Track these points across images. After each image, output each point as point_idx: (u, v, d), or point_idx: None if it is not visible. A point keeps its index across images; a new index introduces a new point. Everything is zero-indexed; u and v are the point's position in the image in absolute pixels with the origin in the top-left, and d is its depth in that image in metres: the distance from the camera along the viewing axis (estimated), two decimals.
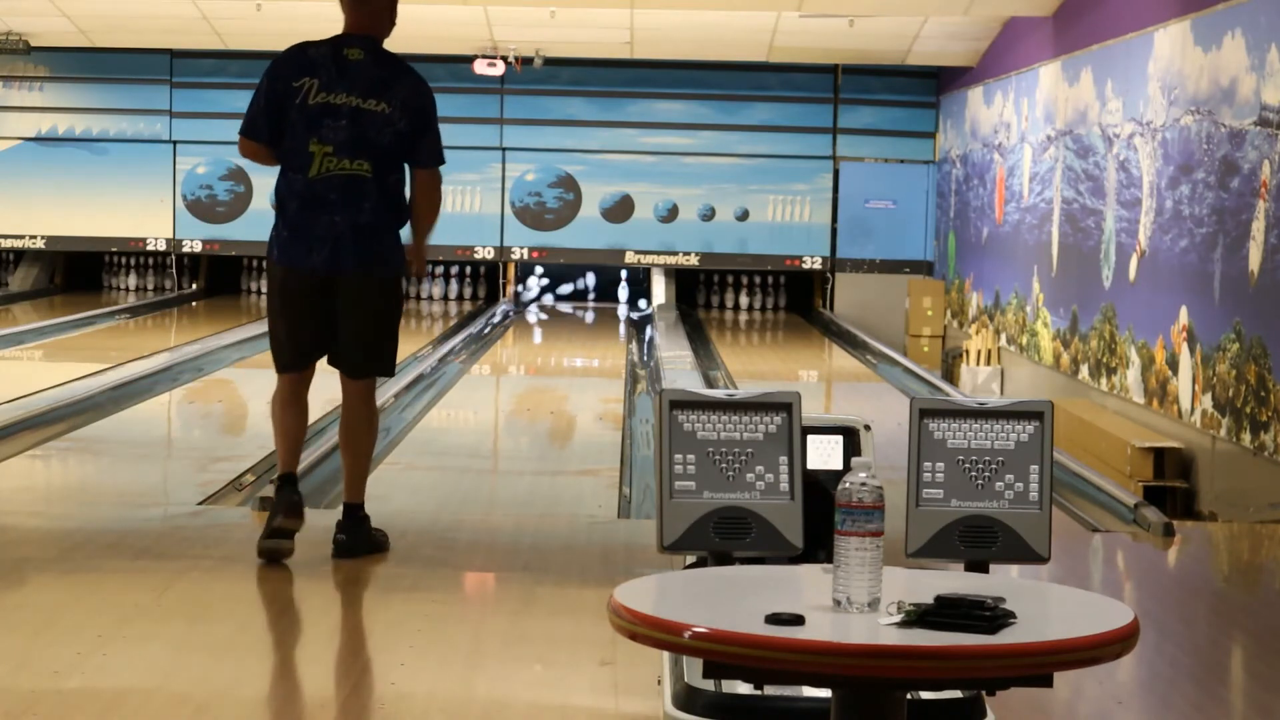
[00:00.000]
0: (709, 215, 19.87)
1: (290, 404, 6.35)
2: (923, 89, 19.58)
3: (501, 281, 20.39)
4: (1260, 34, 9.73)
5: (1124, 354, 11.98)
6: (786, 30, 17.06)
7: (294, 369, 6.33)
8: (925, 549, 3.89)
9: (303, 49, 6.29)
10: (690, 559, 4.07)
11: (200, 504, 7.75)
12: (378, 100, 6.19)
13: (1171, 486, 10.48)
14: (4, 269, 20.66)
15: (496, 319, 18.53)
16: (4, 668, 4.97)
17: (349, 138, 6.19)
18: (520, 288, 20.46)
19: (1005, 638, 2.94)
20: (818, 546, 3.85)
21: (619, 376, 14.22)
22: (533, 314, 19.69)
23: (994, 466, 3.89)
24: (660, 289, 20.11)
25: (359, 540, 6.39)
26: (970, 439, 3.90)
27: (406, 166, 6.36)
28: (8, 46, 18.16)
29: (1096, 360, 12.67)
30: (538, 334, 18.41)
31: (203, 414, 11.61)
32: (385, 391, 12.03)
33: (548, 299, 20.58)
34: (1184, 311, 10.80)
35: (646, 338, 16.99)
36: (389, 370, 6.45)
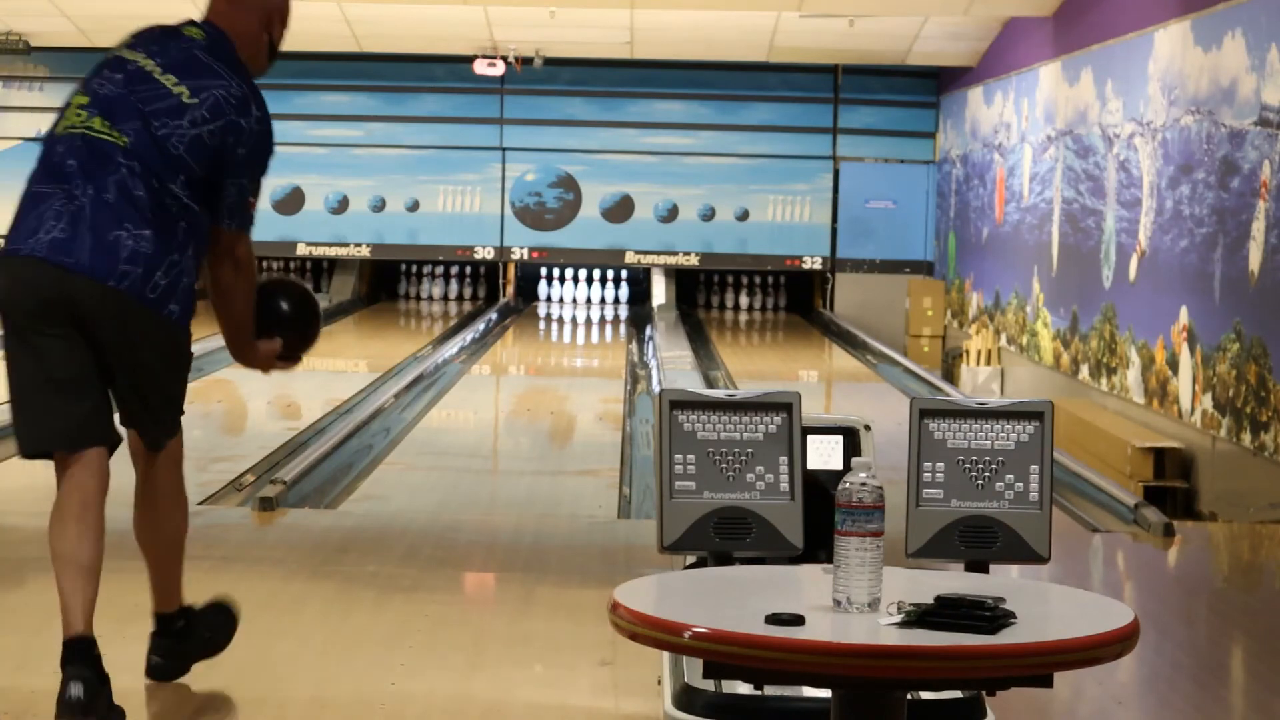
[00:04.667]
0: (709, 215, 19.87)
1: None
2: (923, 89, 19.58)
3: (501, 281, 20.38)
4: (1260, 34, 9.73)
5: (1124, 354, 11.98)
6: (786, 30, 17.06)
7: None
8: (925, 549, 3.89)
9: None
10: (690, 559, 4.07)
11: (200, 504, 7.74)
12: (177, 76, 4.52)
13: (1171, 486, 10.48)
14: None
15: (496, 319, 18.52)
16: (4, 668, 4.97)
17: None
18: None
19: (1005, 638, 2.94)
20: (818, 546, 3.85)
21: (619, 376, 14.22)
22: (535, 314, 19.68)
23: (994, 466, 3.89)
24: (660, 289, 20.11)
25: (181, 656, 4.80)
26: (970, 439, 3.90)
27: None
28: (8, 46, 18.16)
29: (1096, 360, 12.67)
30: (538, 334, 18.40)
31: (202, 414, 11.60)
32: (386, 391, 12.03)
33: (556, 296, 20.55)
34: (1184, 311, 10.79)
35: (646, 337, 16.98)
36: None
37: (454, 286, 20.58)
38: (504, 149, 19.89)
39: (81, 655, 4.36)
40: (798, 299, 20.36)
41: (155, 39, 4.57)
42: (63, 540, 4.38)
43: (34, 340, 4.39)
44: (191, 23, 4.62)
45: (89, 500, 4.40)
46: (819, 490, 3.96)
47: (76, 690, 4.31)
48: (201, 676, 4.93)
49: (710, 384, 13.32)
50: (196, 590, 5.97)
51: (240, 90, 4.51)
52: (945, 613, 2.98)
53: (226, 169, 4.49)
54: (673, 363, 14.46)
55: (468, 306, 20.07)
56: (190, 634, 4.79)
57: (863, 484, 3.07)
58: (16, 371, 4.44)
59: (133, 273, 4.36)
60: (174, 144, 4.43)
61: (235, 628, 4.88)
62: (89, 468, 4.41)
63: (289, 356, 4.85)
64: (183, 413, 4.67)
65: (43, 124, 20.01)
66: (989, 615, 2.98)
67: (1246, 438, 9.67)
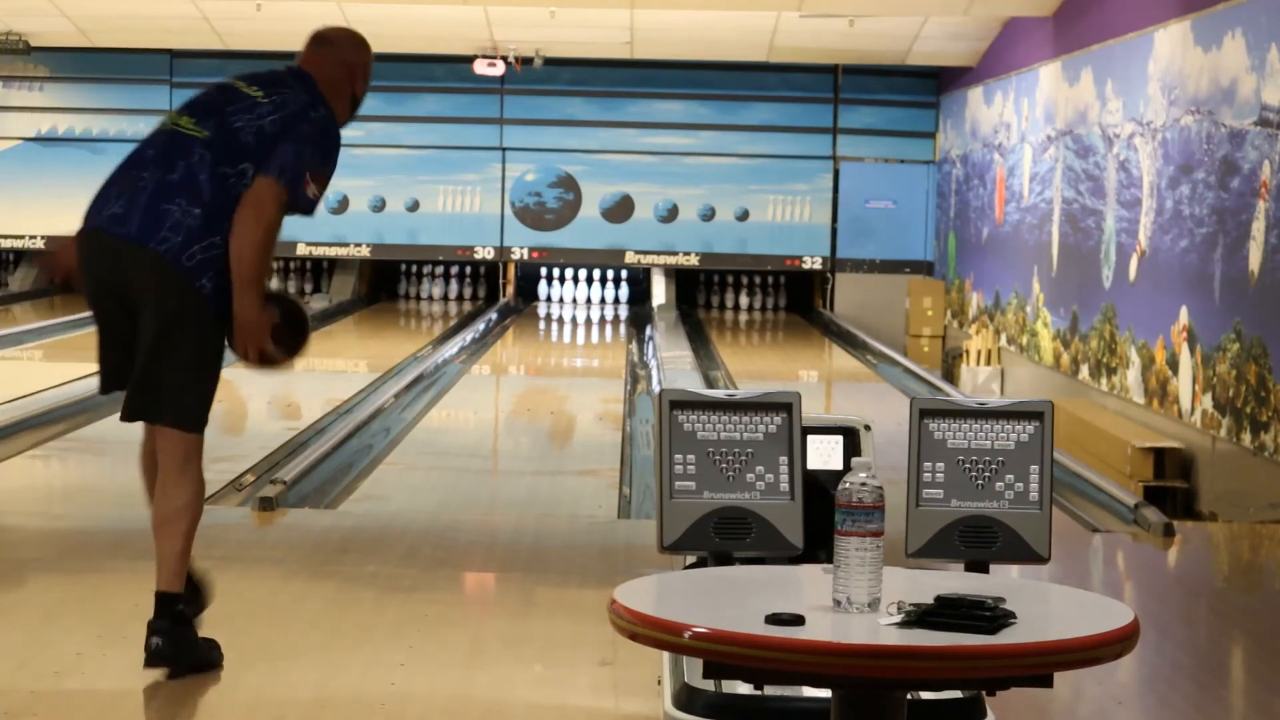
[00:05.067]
0: (709, 215, 19.87)
1: None
2: (923, 89, 19.58)
3: (501, 281, 20.38)
4: (1260, 34, 9.73)
5: (1124, 354, 11.97)
6: (786, 30, 17.06)
7: None
8: (925, 549, 3.89)
9: None
10: (690, 559, 4.07)
11: None
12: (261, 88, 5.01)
13: (1171, 486, 10.48)
14: (4, 269, 20.66)
15: (496, 319, 18.52)
16: (4, 668, 4.97)
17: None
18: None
19: (1005, 638, 2.94)
20: (818, 546, 3.85)
21: (619, 376, 14.22)
22: (535, 314, 19.68)
23: (994, 466, 3.89)
24: (660, 289, 20.11)
25: (181, 645, 4.87)
26: (970, 439, 3.90)
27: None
28: (8, 46, 18.15)
29: (1096, 360, 12.67)
30: (538, 334, 18.40)
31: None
32: (386, 391, 12.03)
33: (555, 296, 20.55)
34: (1184, 311, 10.79)
35: (646, 337, 16.98)
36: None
37: (454, 286, 20.57)
38: (504, 149, 19.89)
39: (160, 609, 4.81)
40: (798, 299, 20.36)
41: (253, 73, 5.08)
42: (153, 498, 4.92)
43: (103, 304, 4.95)
44: (286, 66, 5.12)
45: (189, 515, 4.87)
46: (819, 490, 3.96)
47: (154, 642, 4.77)
48: (201, 676, 4.92)
49: (710, 384, 13.32)
50: None
51: (310, 98, 4.96)
52: (945, 613, 2.98)
53: (289, 137, 4.86)
54: (673, 363, 14.46)
55: (468, 306, 20.07)
56: (187, 626, 4.89)
57: (863, 484, 3.07)
58: (97, 332, 5.04)
59: (172, 239, 4.76)
60: (244, 135, 4.84)
61: (219, 664, 4.95)
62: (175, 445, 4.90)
63: (281, 345, 5.04)
64: (196, 412, 4.94)
65: (43, 124, 20.01)
66: (989, 615, 2.98)
67: (1246, 438, 9.67)
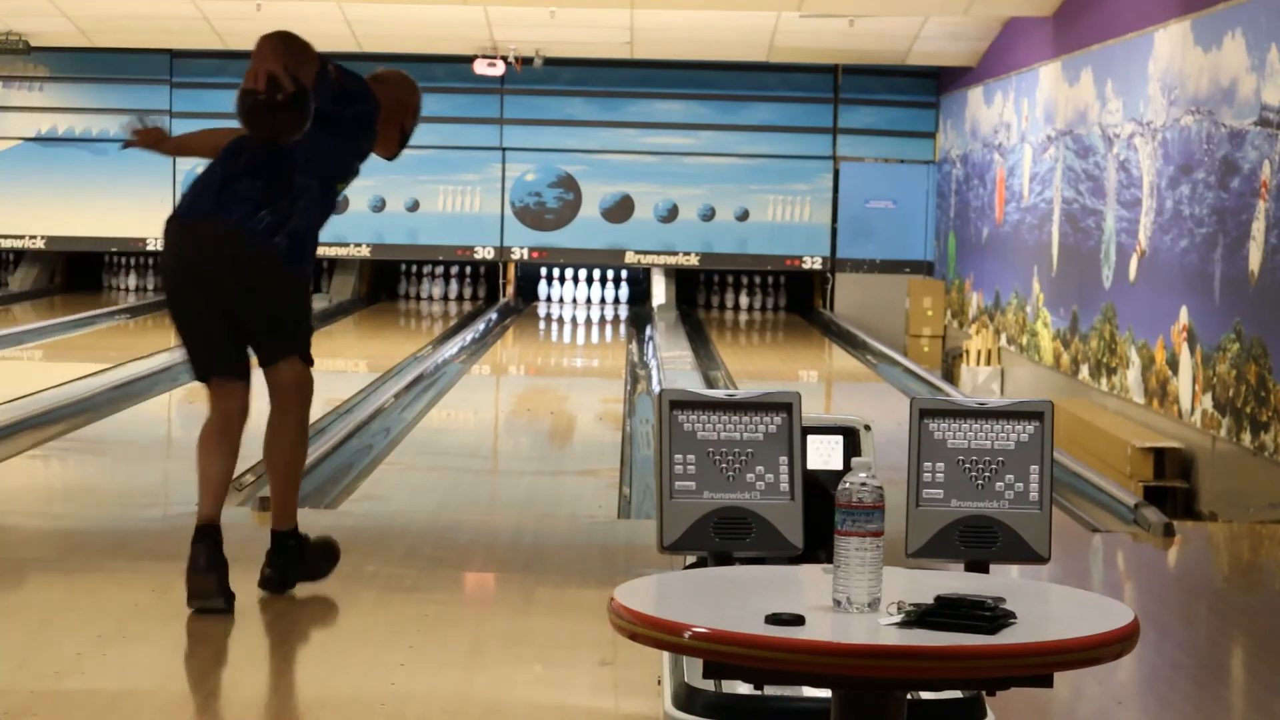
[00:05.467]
0: (709, 215, 19.87)
1: None
2: (923, 89, 19.58)
3: (501, 281, 20.38)
4: (1260, 34, 9.73)
5: (1124, 354, 11.98)
6: (786, 30, 17.06)
7: None
8: (925, 549, 3.89)
9: None
10: (690, 559, 4.07)
11: None
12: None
13: (1171, 486, 10.48)
14: (4, 269, 20.66)
15: (496, 319, 18.52)
16: (4, 668, 4.97)
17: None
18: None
19: (1005, 638, 2.94)
20: (818, 546, 3.85)
21: (619, 376, 14.22)
22: (535, 314, 19.68)
23: (994, 466, 3.89)
24: (660, 289, 20.11)
25: (287, 573, 5.73)
26: (970, 439, 3.90)
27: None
28: (8, 46, 18.16)
29: (1096, 360, 12.67)
30: (538, 334, 18.40)
31: (202, 414, 11.58)
32: (386, 391, 12.03)
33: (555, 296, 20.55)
34: (1184, 311, 10.80)
35: (646, 337, 16.99)
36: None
37: (454, 286, 20.57)
38: (504, 149, 19.89)
39: (204, 535, 5.45)
40: (798, 299, 20.36)
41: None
42: (203, 454, 5.57)
43: (185, 287, 5.55)
44: None
45: (225, 424, 5.56)
46: (819, 490, 3.96)
47: (200, 555, 5.42)
48: (202, 676, 4.93)
49: (710, 384, 13.32)
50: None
51: (374, 110, 5.74)
52: (945, 613, 2.98)
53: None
54: (673, 363, 14.46)
55: (468, 306, 20.07)
56: (299, 557, 5.70)
57: (863, 484, 3.07)
58: (180, 312, 5.64)
59: (241, 208, 5.44)
60: (317, 140, 5.50)
61: (337, 561, 5.83)
62: (229, 396, 5.57)
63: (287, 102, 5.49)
64: (303, 341, 5.63)
65: (43, 124, 20.00)
66: (989, 615, 2.98)
67: (1246, 438, 9.67)
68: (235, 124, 5.57)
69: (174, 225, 5.60)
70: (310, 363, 5.66)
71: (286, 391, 5.62)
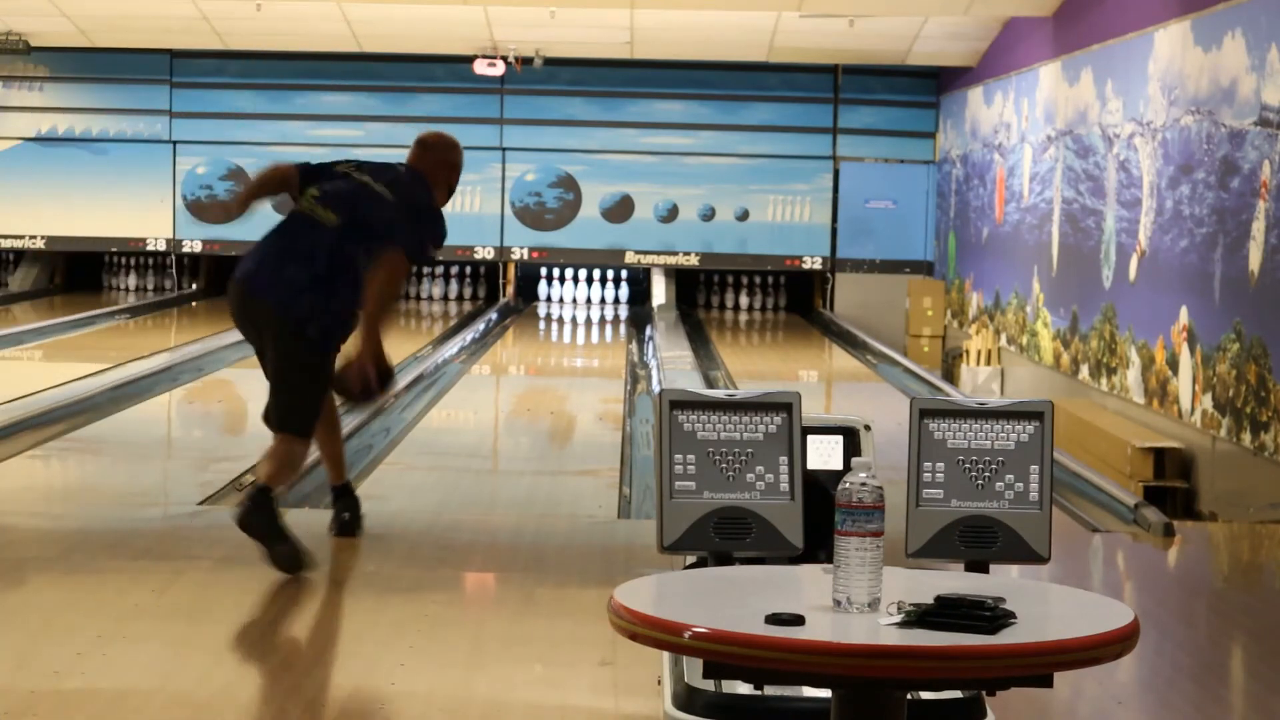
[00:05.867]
0: (709, 215, 19.87)
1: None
2: (923, 89, 19.58)
3: (501, 281, 20.38)
4: (1260, 34, 9.73)
5: (1124, 354, 11.98)
6: (786, 30, 17.06)
7: None
8: (925, 549, 3.89)
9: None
10: (690, 559, 4.07)
11: (200, 504, 7.75)
12: (386, 186, 6.57)
13: (1171, 486, 10.48)
14: (4, 269, 20.66)
15: (496, 319, 18.52)
16: (4, 668, 4.97)
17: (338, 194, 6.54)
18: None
19: (1005, 638, 2.94)
20: (818, 546, 3.85)
21: (619, 376, 14.22)
22: (535, 314, 19.68)
23: (994, 466, 3.89)
24: (660, 289, 20.11)
25: (357, 513, 6.86)
26: (970, 439, 3.90)
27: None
28: (8, 46, 18.16)
29: (1096, 360, 12.67)
30: (538, 334, 18.40)
31: (202, 414, 11.61)
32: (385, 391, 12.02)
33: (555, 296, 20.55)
34: (1184, 311, 10.80)
35: (646, 337, 16.99)
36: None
37: (454, 286, 20.58)
38: (504, 149, 19.89)
39: (254, 496, 6.19)
40: (798, 299, 20.36)
41: (376, 167, 6.64)
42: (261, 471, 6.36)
43: (252, 343, 6.51)
44: (401, 164, 6.70)
45: (278, 467, 6.30)
46: (819, 490, 3.96)
47: (242, 505, 6.20)
48: (202, 676, 4.93)
49: (710, 384, 13.32)
50: (196, 590, 5.98)
51: (427, 195, 6.59)
52: (945, 613, 2.98)
53: (415, 224, 6.47)
54: (673, 363, 14.46)
55: (468, 306, 20.07)
56: (356, 502, 6.83)
57: (863, 484, 3.07)
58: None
59: (288, 297, 6.27)
60: (375, 223, 6.38)
61: (299, 565, 6.14)
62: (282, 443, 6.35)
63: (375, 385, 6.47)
64: (304, 423, 6.37)
65: (43, 124, 20.01)
66: (989, 615, 2.98)
67: (1246, 438, 9.67)
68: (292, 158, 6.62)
69: (233, 289, 6.47)
70: (305, 437, 6.42)
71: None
